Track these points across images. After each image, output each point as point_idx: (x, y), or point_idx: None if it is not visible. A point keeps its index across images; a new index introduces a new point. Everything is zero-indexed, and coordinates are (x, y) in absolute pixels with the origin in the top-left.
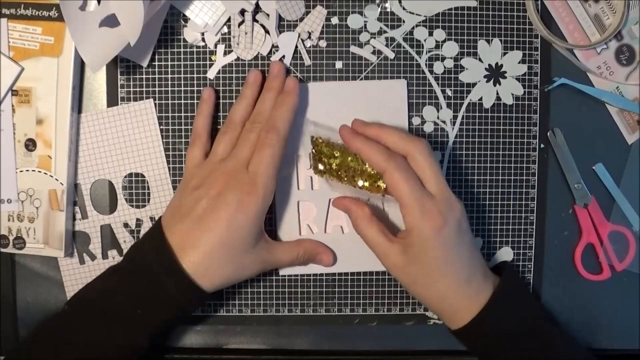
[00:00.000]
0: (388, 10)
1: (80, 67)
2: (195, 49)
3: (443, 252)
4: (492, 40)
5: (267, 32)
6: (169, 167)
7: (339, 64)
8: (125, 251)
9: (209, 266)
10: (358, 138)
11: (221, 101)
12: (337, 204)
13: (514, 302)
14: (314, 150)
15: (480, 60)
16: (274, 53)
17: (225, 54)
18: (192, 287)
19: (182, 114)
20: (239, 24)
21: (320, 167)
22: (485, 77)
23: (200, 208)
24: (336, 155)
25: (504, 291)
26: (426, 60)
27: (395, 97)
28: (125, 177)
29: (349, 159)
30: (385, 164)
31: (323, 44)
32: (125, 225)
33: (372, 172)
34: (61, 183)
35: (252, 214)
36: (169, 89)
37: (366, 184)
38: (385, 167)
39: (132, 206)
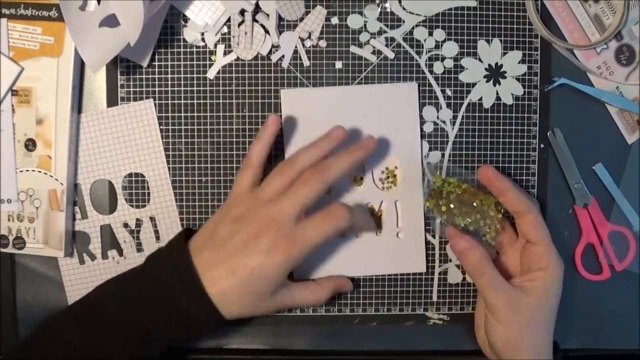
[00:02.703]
0: (388, 10)
1: (80, 67)
2: (195, 49)
3: (558, 294)
4: (492, 40)
5: (267, 32)
6: (169, 167)
7: (339, 64)
8: (124, 251)
9: (224, 300)
10: (504, 178)
11: (221, 101)
12: (457, 242)
13: None
14: (437, 187)
15: (480, 60)
16: (274, 53)
17: (225, 54)
18: (212, 311)
19: (182, 114)
20: (239, 24)
21: (441, 203)
22: (485, 77)
23: (231, 245)
24: (461, 193)
25: None
26: (426, 60)
27: (406, 101)
28: (125, 177)
29: (475, 202)
30: (532, 206)
31: (323, 44)
32: (125, 225)
33: (491, 221)
34: (61, 183)
35: (279, 268)
36: (169, 89)
37: (487, 228)
38: (530, 209)
39: (132, 206)
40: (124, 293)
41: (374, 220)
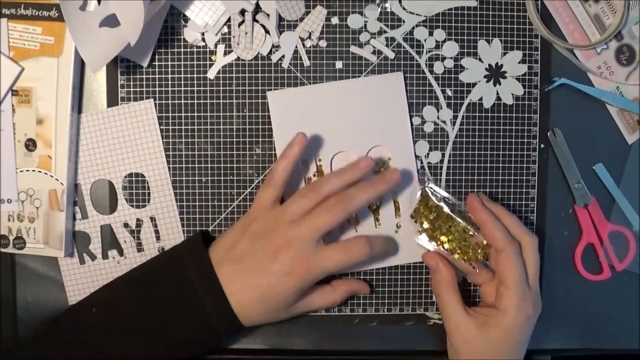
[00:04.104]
0: (388, 10)
1: (80, 67)
2: (195, 49)
3: (519, 340)
4: (492, 40)
5: (267, 32)
6: (169, 167)
7: (339, 64)
8: (125, 251)
9: (243, 310)
10: (486, 210)
11: (221, 101)
12: (428, 259)
13: None
14: (421, 207)
15: (480, 60)
16: (274, 53)
17: (225, 54)
18: (232, 318)
19: (182, 114)
20: (239, 24)
21: (426, 225)
22: (485, 77)
23: (250, 261)
24: (449, 226)
25: None
26: (426, 60)
27: (393, 91)
28: (125, 177)
29: (460, 226)
30: (506, 244)
31: (323, 44)
32: (125, 225)
33: (473, 252)
34: (61, 183)
35: (294, 290)
36: (169, 89)
37: (463, 257)
38: (505, 247)
39: (132, 206)
40: (145, 297)
41: (390, 241)
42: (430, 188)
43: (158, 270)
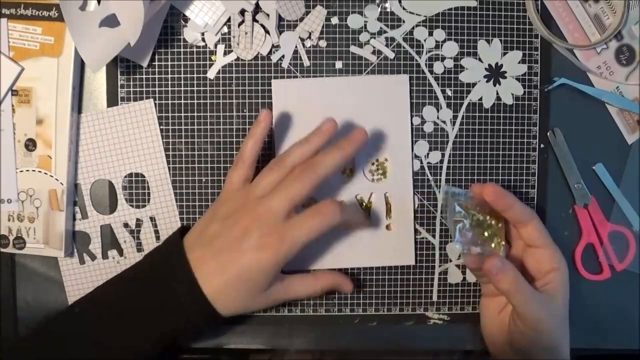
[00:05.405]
0: (388, 10)
1: (80, 67)
2: (195, 49)
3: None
4: (492, 40)
5: (267, 32)
6: (169, 167)
7: (339, 64)
8: (125, 251)
9: (219, 296)
10: (507, 195)
11: (221, 101)
12: (488, 265)
13: None
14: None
15: (480, 60)
16: (274, 53)
17: (225, 54)
18: (206, 306)
19: (182, 114)
20: (239, 24)
21: (470, 228)
22: (485, 77)
23: (222, 242)
24: (480, 219)
25: None
26: (426, 60)
27: (398, 93)
28: (125, 177)
29: (483, 219)
30: (533, 216)
31: (323, 44)
32: (125, 225)
33: (496, 244)
34: (61, 183)
35: (268, 266)
36: (169, 89)
37: (493, 243)
38: (532, 218)
39: (132, 206)
40: (125, 292)
41: (365, 213)
42: (453, 193)
43: (138, 266)
